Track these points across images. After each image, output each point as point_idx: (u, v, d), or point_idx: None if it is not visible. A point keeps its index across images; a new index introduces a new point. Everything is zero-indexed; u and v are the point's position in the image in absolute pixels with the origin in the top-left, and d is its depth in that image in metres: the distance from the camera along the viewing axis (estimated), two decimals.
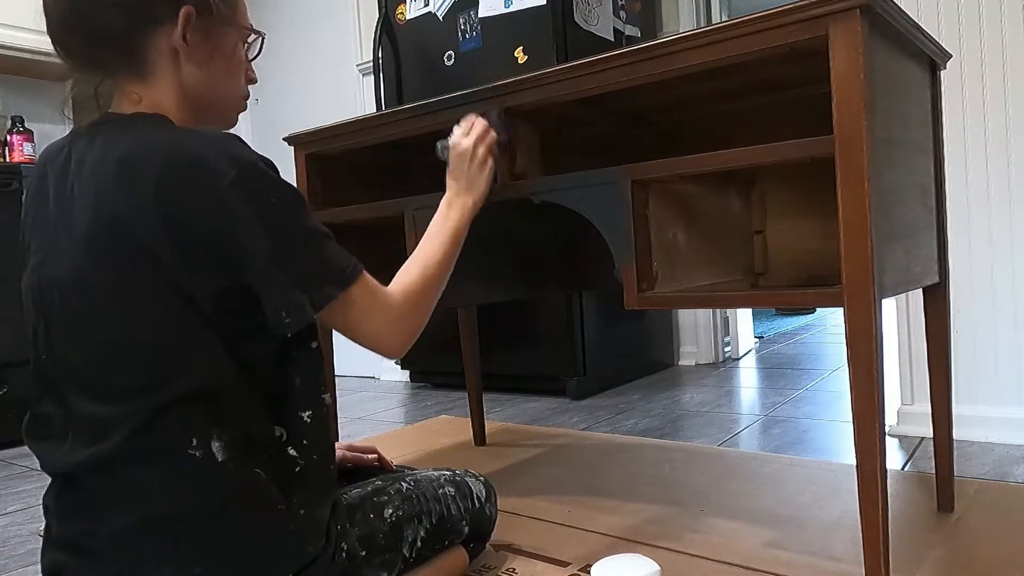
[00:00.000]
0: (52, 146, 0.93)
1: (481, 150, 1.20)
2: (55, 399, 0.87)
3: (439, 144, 1.23)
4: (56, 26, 0.87)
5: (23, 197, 0.93)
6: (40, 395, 0.89)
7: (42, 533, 0.90)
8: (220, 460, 0.81)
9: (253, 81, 1.01)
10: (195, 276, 0.81)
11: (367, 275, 0.91)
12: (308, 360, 0.91)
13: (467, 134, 1.21)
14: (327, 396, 0.93)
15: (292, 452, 0.89)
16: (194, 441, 0.80)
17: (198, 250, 0.80)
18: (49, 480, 0.90)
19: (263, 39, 1.00)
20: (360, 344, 0.93)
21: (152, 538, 0.81)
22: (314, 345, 0.91)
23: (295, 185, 0.91)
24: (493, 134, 1.22)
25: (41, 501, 0.91)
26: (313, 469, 0.90)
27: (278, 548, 0.85)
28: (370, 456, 1.24)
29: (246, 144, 0.85)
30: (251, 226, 0.80)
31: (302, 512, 0.87)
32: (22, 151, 2.86)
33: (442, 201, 1.18)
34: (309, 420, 0.90)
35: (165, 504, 0.81)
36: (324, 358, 0.94)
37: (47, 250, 0.86)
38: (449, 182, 1.21)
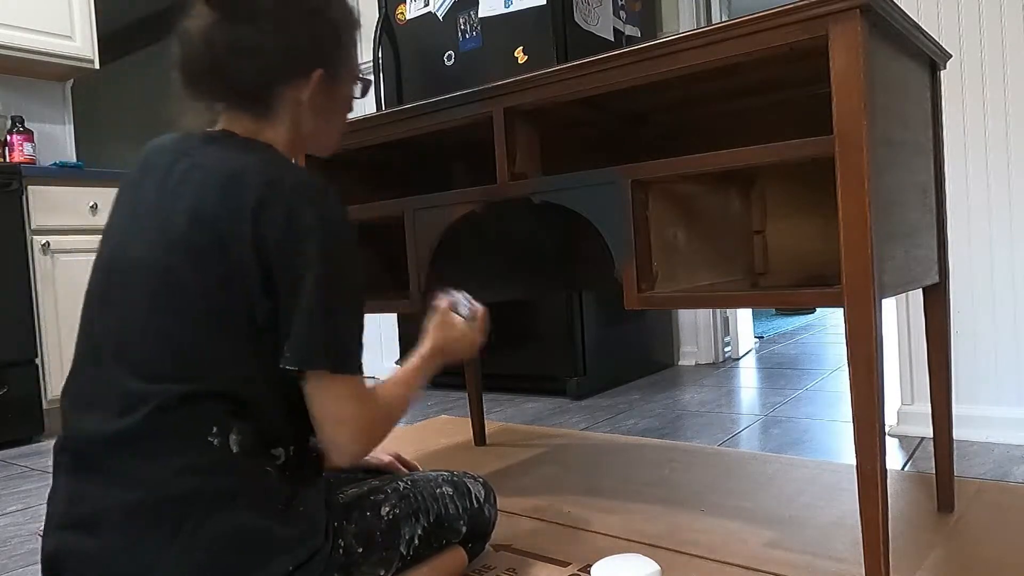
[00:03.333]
0: (163, 140, 0.98)
1: (479, 341, 1.20)
2: (96, 367, 0.90)
3: (464, 300, 1.20)
4: (191, 68, 0.94)
5: (123, 178, 1.00)
6: (83, 361, 0.92)
7: (42, 533, 0.90)
8: (234, 452, 0.85)
9: (350, 110, 1.09)
10: (261, 295, 0.87)
11: (363, 382, 0.93)
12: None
13: (479, 327, 1.20)
14: None
15: (299, 455, 0.93)
16: (215, 429, 0.85)
17: (270, 276, 0.86)
18: (49, 487, 0.91)
19: (369, 84, 1.09)
20: (322, 430, 0.91)
21: (159, 519, 0.82)
22: None
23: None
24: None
25: (47, 497, 0.92)
26: (314, 471, 0.95)
27: (279, 542, 0.87)
28: (387, 459, 1.28)
29: (340, 202, 0.92)
30: (313, 276, 0.87)
31: (302, 509, 0.90)
32: (22, 151, 2.86)
33: (427, 347, 1.12)
34: (303, 433, 0.94)
35: (176, 485, 0.83)
36: None
37: (135, 231, 0.91)
38: (442, 335, 1.15)
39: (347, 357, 0.90)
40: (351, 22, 1.01)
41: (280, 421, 0.91)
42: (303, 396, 0.91)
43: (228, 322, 0.86)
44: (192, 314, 0.86)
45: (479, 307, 1.21)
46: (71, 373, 0.93)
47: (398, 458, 1.30)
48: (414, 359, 1.09)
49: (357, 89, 1.06)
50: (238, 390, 0.86)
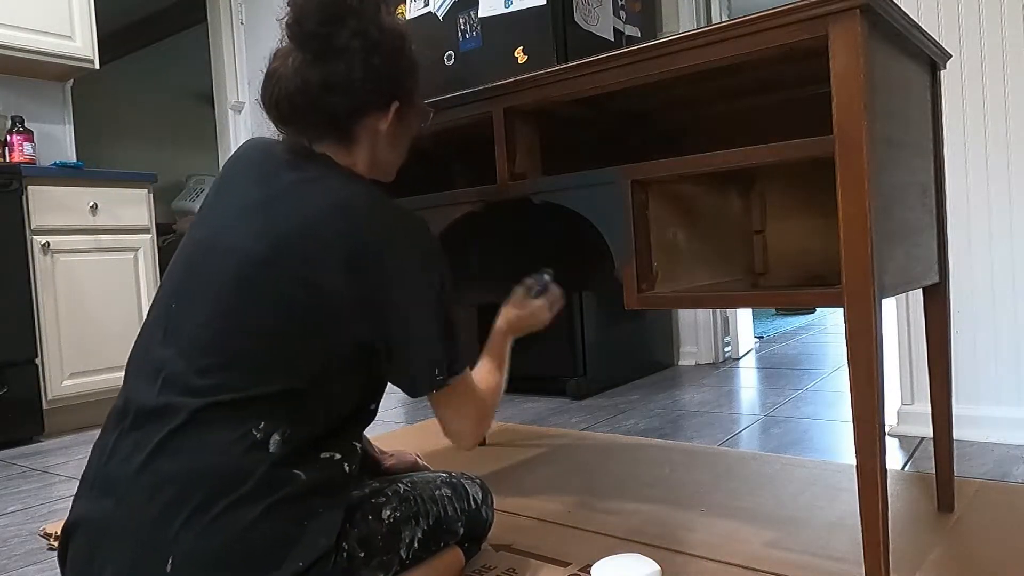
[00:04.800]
0: (266, 143, 1.08)
1: (547, 317, 1.34)
2: (165, 346, 0.94)
3: (546, 275, 1.35)
4: (286, 105, 1.02)
5: (223, 165, 1.09)
6: (153, 335, 0.97)
7: (42, 533, 0.91)
8: (271, 451, 0.89)
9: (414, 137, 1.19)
10: (352, 321, 0.94)
11: (470, 378, 1.07)
12: (370, 413, 1.08)
13: (547, 305, 1.34)
14: (361, 443, 1.06)
15: (344, 465, 0.98)
16: (261, 424, 0.89)
17: (367, 301, 0.94)
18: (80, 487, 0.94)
19: (431, 113, 1.20)
20: (447, 428, 1.08)
21: (187, 496, 0.85)
22: (373, 407, 1.07)
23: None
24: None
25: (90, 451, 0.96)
26: (350, 482, 1.00)
27: (294, 542, 0.89)
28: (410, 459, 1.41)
29: (430, 232, 1.03)
30: (410, 304, 0.97)
31: (321, 511, 0.92)
32: (22, 151, 2.86)
33: (498, 326, 1.28)
34: (358, 448, 1.03)
35: (211, 468, 0.87)
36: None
37: (235, 225, 0.97)
38: (513, 313, 1.30)
39: (453, 363, 1.01)
40: (418, 59, 1.10)
41: (325, 429, 0.96)
42: (352, 413, 1.00)
43: (304, 333, 0.92)
44: (270, 317, 0.92)
45: (552, 288, 1.34)
46: (140, 341, 0.99)
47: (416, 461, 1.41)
48: (492, 339, 1.25)
49: (425, 118, 1.17)
50: (295, 397, 0.92)
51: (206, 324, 0.92)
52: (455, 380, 1.02)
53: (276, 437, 0.90)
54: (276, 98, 1.03)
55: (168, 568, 0.83)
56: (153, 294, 2.87)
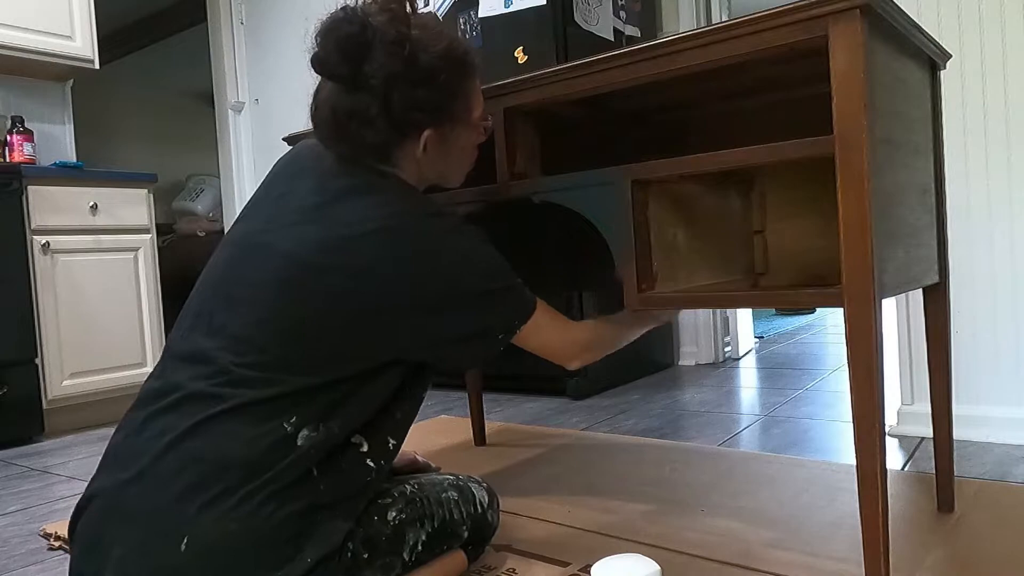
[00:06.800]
0: (317, 146, 1.08)
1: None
2: (210, 335, 0.96)
3: None
4: (323, 129, 1.05)
5: (276, 164, 1.13)
6: (195, 322, 0.99)
7: (42, 533, 0.92)
8: (298, 444, 0.91)
9: (483, 140, 1.19)
10: (395, 315, 0.96)
11: (548, 312, 1.12)
12: (414, 403, 1.08)
13: None
14: (404, 435, 1.07)
15: (370, 464, 0.99)
16: (293, 419, 0.91)
17: (418, 295, 0.97)
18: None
19: (490, 129, 1.19)
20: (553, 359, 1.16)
21: (212, 480, 0.86)
22: (422, 394, 1.08)
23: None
24: None
25: (114, 431, 0.98)
26: (373, 481, 1.00)
27: (307, 537, 0.89)
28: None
29: (472, 228, 1.05)
30: (465, 294, 1.01)
31: (336, 509, 0.93)
32: (22, 151, 2.86)
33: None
34: (392, 447, 1.04)
35: (237, 456, 0.88)
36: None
37: (285, 223, 0.99)
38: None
39: (522, 308, 1.07)
40: (466, 73, 1.10)
41: (359, 428, 0.98)
42: (387, 408, 1.01)
43: (345, 337, 0.94)
44: (314, 321, 0.94)
45: None
46: (181, 324, 1.01)
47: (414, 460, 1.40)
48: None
49: (478, 133, 1.15)
50: (329, 393, 0.94)
51: (251, 321, 0.94)
52: (523, 327, 1.07)
53: (306, 431, 0.91)
54: (316, 121, 1.06)
55: (183, 547, 0.84)
56: (153, 294, 2.88)
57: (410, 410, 1.07)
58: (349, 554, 0.94)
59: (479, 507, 1.15)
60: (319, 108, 1.05)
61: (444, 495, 1.10)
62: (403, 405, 1.05)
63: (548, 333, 1.11)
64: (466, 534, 1.13)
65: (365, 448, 0.98)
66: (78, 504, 0.94)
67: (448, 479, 1.15)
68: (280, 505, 0.88)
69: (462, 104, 1.10)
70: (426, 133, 1.06)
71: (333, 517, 0.92)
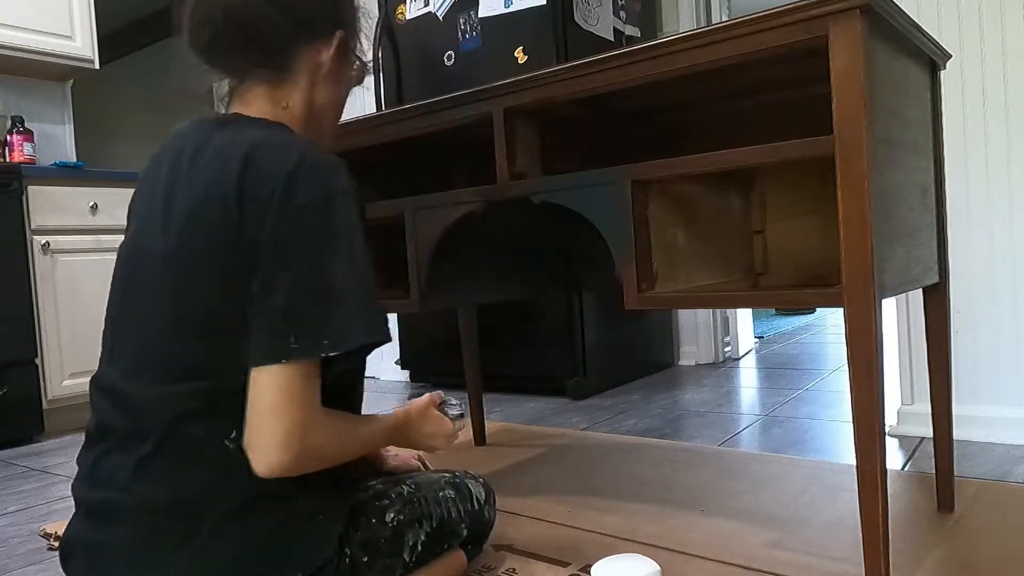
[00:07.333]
0: (180, 126, 0.98)
1: (443, 446, 1.15)
2: (122, 367, 0.89)
3: (456, 407, 1.18)
4: (220, 19, 0.91)
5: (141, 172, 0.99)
6: (109, 358, 0.92)
7: (42, 533, 0.91)
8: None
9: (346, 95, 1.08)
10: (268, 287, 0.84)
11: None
12: (352, 380, 0.99)
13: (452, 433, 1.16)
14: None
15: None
16: (232, 434, 0.83)
17: (273, 251, 0.83)
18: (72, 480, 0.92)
19: (367, 71, 1.08)
20: (249, 432, 0.84)
21: (173, 522, 0.83)
22: (358, 370, 1.00)
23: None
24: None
25: (72, 479, 0.93)
26: (342, 483, 0.95)
27: (292, 552, 0.86)
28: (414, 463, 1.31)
29: (346, 173, 0.89)
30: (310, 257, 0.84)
31: (321, 518, 0.89)
32: (22, 151, 2.86)
33: (396, 418, 1.08)
34: None
35: (191, 486, 0.83)
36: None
37: (151, 221, 0.90)
38: (418, 424, 1.12)
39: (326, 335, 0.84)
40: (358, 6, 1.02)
41: None
42: (339, 402, 0.90)
43: (234, 327, 0.83)
44: (206, 313, 0.84)
45: (460, 423, 1.17)
46: (100, 363, 0.93)
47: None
48: (388, 421, 1.04)
49: (363, 72, 1.06)
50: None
51: (145, 337, 0.86)
52: (302, 357, 0.82)
53: None
54: (207, 16, 0.92)
55: None
56: None
57: (348, 385, 0.97)
58: (347, 560, 0.92)
59: (476, 503, 1.15)
60: (213, 5, 0.92)
61: (441, 494, 1.10)
62: (345, 384, 0.96)
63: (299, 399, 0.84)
64: (465, 532, 1.13)
65: None
66: (61, 545, 0.90)
67: (444, 476, 1.15)
68: (254, 526, 0.84)
69: (359, 30, 1.02)
70: (339, 33, 0.97)
71: (317, 522, 0.89)
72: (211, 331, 0.84)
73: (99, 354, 0.94)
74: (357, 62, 1.05)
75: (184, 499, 0.83)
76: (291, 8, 0.93)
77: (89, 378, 0.93)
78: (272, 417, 0.81)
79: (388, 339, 0.88)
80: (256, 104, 0.95)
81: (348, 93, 1.06)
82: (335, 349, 0.83)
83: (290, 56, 0.95)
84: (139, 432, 0.84)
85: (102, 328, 0.95)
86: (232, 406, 0.83)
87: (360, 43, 1.04)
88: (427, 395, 1.17)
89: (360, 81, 1.07)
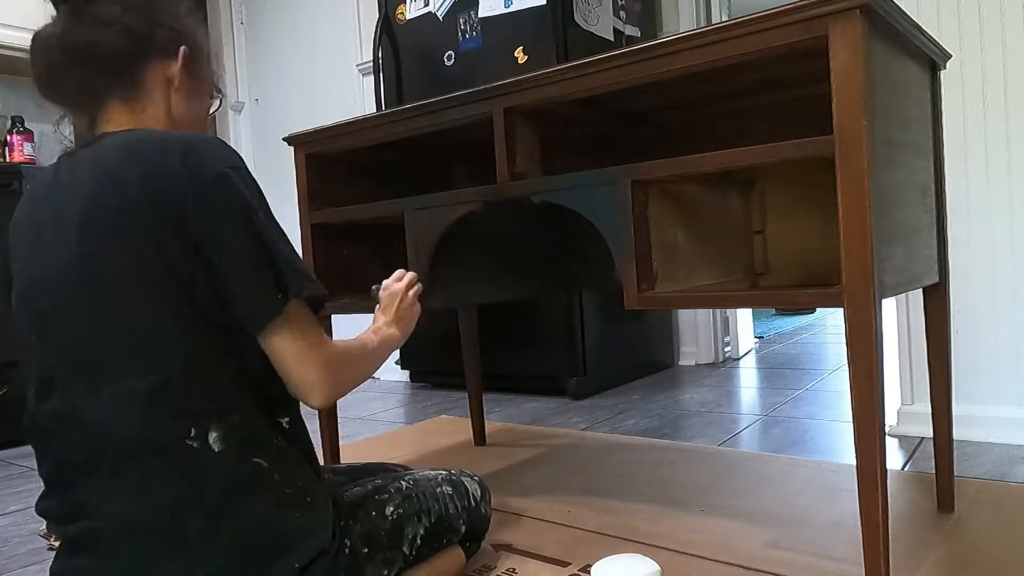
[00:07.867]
0: (41, 172, 0.98)
1: (411, 293, 1.22)
2: (58, 397, 0.87)
3: (373, 288, 1.25)
4: (62, 59, 0.93)
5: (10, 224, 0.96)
6: (41, 395, 0.91)
7: (42, 533, 0.91)
8: (217, 451, 0.83)
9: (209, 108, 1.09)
10: (188, 265, 0.83)
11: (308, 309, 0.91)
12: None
13: (400, 280, 1.23)
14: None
15: (288, 447, 0.91)
16: (192, 431, 0.82)
17: (191, 241, 0.83)
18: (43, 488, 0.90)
19: (223, 99, 1.07)
20: (290, 379, 0.90)
21: (157, 532, 0.82)
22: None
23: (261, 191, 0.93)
24: (420, 285, 1.25)
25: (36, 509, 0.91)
26: (307, 466, 0.93)
27: (285, 540, 0.86)
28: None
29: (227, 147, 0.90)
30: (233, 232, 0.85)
31: (308, 500, 0.89)
32: (22, 151, 2.86)
33: (371, 327, 1.15)
34: (288, 426, 0.93)
35: (166, 495, 0.82)
36: None
37: (43, 251, 0.88)
38: (378, 315, 1.19)
39: (303, 281, 0.89)
40: (201, 26, 1.04)
41: (258, 409, 0.88)
42: (272, 380, 0.89)
43: (164, 306, 0.83)
44: (122, 307, 0.83)
45: (392, 283, 1.22)
46: (34, 415, 0.92)
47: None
48: (368, 331, 1.11)
49: (216, 91, 1.08)
50: (202, 379, 0.84)
51: (80, 360, 0.86)
52: (293, 304, 0.86)
53: (213, 435, 0.82)
54: (51, 60, 0.95)
55: None
56: None
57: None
58: (347, 551, 0.93)
59: (473, 500, 1.17)
60: (54, 39, 0.94)
61: (439, 490, 1.12)
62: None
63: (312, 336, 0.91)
64: (463, 528, 1.14)
65: (287, 416, 0.92)
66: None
67: (441, 474, 1.16)
68: (242, 522, 0.83)
69: (207, 49, 1.04)
70: (183, 49, 0.97)
71: (307, 506, 0.88)
72: (140, 335, 0.83)
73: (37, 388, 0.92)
74: (213, 80, 1.06)
75: (162, 508, 0.82)
76: (127, 28, 0.93)
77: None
78: (300, 367, 0.88)
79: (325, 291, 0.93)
80: (117, 119, 0.95)
81: (208, 109, 1.07)
82: (310, 288, 0.88)
83: (139, 69, 0.95)
84: (97, 455, 0.82)
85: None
86: (184, 405, 0.82)
87: (211, 61, 1.05)
88: (381, 295, 1.21)
89: (217, 108, 1.09)
